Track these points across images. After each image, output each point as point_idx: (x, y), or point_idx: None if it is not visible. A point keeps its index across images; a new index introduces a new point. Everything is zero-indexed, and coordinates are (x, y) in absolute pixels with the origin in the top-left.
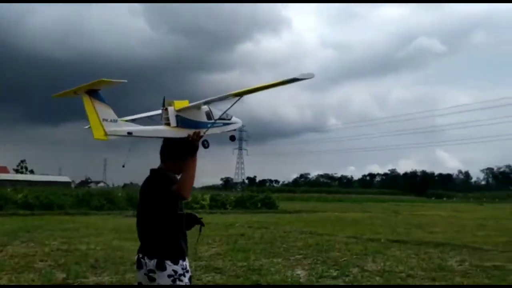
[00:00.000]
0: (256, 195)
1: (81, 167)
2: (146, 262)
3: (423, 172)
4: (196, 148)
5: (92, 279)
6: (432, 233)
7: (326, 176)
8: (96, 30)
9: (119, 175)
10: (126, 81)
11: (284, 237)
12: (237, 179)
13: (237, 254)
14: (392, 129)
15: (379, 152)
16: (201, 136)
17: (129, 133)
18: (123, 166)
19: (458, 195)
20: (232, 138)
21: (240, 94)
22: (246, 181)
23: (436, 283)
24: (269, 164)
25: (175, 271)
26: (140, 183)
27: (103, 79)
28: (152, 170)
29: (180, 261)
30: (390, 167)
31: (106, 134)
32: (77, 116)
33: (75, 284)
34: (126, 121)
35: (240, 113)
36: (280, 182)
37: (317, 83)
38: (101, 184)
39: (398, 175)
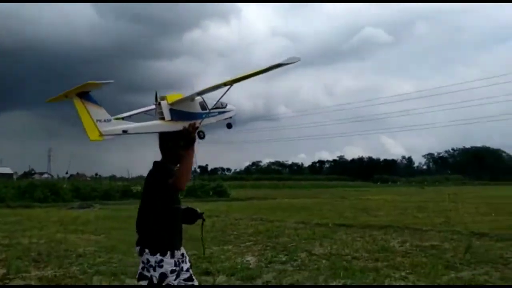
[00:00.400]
0: (207, 183)
1: (24, 157)
2: (136, 249)
3: (370, 158)
4: (193, 140)
5: (34, 274)
6: (376, 216)
7: (278, 163)
8: (40, 16)
9: (64, 166)
10: (113, 81)
11: (235, 224)
12: None
13: (187, 243)
14: (340, 117)
15: (328, 140)
16: (197, 128)
17: (124, 131)
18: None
19: (401, 180)
20: (229, 126)
21: (230, 83)
22: (198, 169)
23: (379, 264)
24: (221, 153)
25: (148, 260)
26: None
27: (90, 82)
28: (154, 163)
29: (158, 254)
30: (339, 154)
31: (101, 134)
32: (19, 105)
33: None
34: (122, 118)
35: None
36: (232, 170)
37: (269, 73)
38: (46, 175)
39: (346, 161)
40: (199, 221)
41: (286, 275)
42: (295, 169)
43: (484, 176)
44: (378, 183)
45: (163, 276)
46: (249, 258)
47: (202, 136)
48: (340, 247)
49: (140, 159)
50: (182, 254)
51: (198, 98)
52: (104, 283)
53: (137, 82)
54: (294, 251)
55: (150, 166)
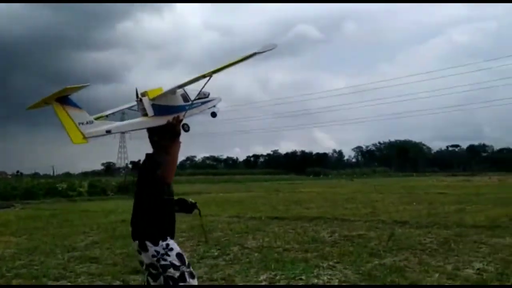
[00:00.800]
0: None
1: None
2: (133, 244)
3: (303, 152)
4: (178, 133)
5: None
6: (308, 208)
7: (213, 158)
8: None
9: None
10: (89, 84)
11: None
12: (120, 163)
13: (116, 241)
14: (274, 111)
15: (262, 134)
16: (181, 120)
17: (108, 131)
18: None
19: (333, 173)
20: (213, 115)
21: (209, 74)
22: (130, 165)
23: (309, 254)
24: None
25: (157, 252)
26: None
27: (68, 86)
28: (146, 154)
29: (160, 242)
30: (273, 148)
31: (85, 137)
32: None
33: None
34: (106, 116)
35: (123, 97)
36: None
37: (202, 66)
38: None
39: (280, 155)
40: (196, 210)
41: (218, 270)
42: (230, 164)
43: (408, 168)
44: (311, 176)
45: (180, 256)
46: None
47: (186, 129)
48: (272, 240)
49: (66, 155)
50: (167, 244)
51: (180, 91)
52: None
53: (64, 73)
54: (227, 245)
55: (76, 163)
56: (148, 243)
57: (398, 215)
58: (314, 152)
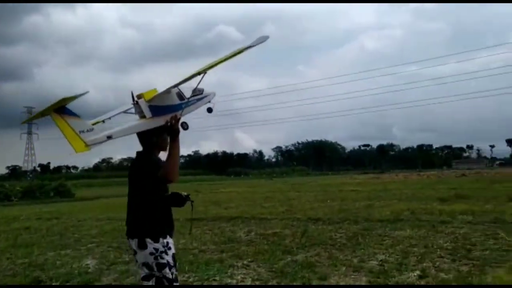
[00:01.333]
0: (48, 183)
1: None
2: (130, 243)
3: (224, 153)
4: (177, 132)
5: None
6: (227, 208)
7: (130, 159)
8: None
9: None
10: (88, 91)
11: (77, 226)
12: (27, 166)
13: (18, 250)
14: (194, 112)
15: (183, 134)
16: (179, 119)
17: (109, 137)
18: None
19: (253, 172)
20: (209, 110)
21: (204, 71)
22: (38, 168)
23: (224, 254)
24: (66, 149)
25: (156, 249)
26: None
27: (66, 97)
28: (137, 153)
29: (161, 239)
30: (194, 148)
31: (87, 145)
32: None
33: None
34: (103, 121)
35: (31, 96)
36: (80, 168)
37: (119, 64)
38: None
39: (201, 156)
40: (188, 203)
41: (129, 275)
42: None
43: (324, 166)
44: (232, 177)
45: (174, 256)
46: (89, 262)
47: (185, 127)
48: (188, 241)
49: None
50: (167, 242)
51: (175, 90)
52: None
53: None
54: None
55: None
56: (148, 240)
57: (313, 212)
58: (235, 152)
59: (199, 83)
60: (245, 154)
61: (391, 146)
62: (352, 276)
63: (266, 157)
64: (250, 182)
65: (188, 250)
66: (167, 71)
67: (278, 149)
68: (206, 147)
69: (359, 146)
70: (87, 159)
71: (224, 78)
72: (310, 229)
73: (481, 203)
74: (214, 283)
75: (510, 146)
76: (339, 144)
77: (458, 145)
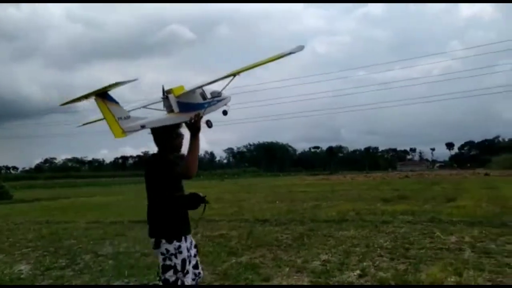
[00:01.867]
0: None
1: None
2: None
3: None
4: (199, 129)
5: None
6: None
7: (75, 160)
8: None
9: None
10: (137, 79)
11: (13, 230)
12: None
13: None
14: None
15: (131, 135)
16: (201, 117)
17: (142, 127)
18: None
19: (204, 174)
20: (225, 113)
21: (237, 73)
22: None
23: None
24: (5, 149)
25: (167, 250)
26: None
27: (111, 83)
28: (152, 155)
29: (174, 241)
30: (144, 149)
31: (123, 131)
32: None
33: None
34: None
35: None
36: (20, 169)
37: (64, 60)
38: None
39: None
40: (202, 205)
41: (64, 281)
42: (96, 166)
43: (275, 168)
44: None
45: (184, 262)
46: (22, 267)
47: (210, 125)
48: (131, 245)
49: None
50: (191, 242)
51: (199, 90)
52: None
53: None
54: (79, 254)
55: None
56: (162, 241)
57: (261, 213)
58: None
59: (228, 83)
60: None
61: (340, 148)
62: (295, 277)
63: (217, 158)
64: (201, 183)
65: (130, 254)
66: (117, 69)
67: (229, 151)
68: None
69: (310, 148)
70: (29, 160)
71: (177, 78)
72: (257, 230)
73: (420, 203)
74: None
75: (449, 149)
76: (290, 146)
77: (402, 148)
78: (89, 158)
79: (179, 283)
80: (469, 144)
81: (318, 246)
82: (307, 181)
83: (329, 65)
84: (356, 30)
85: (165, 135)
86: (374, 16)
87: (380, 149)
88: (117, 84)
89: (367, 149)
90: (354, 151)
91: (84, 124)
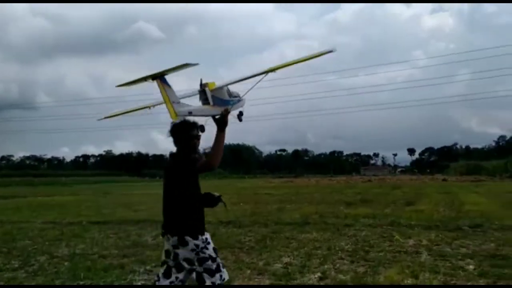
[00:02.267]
0: None
1: None
2: (169, 238)
3: (139, 153)
4: (226, 124)
5: None
6: (136, 211)
7: (34, 158)
8: None
9: None
10: (198, 63)
11: None
12: None
13: None
14: (109, 110)
15: (94, 133)
16: (229, 112)
17: (190, 113)
18: None
19: None
20: (241, 113)
21: (271, 70)
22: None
23: (126, 259)
24: None
25: (197, 245)
26: None
27: (169, 68)
28: (172, 154)
29: (199, 236)
30: (107, 148)
31: (176, 114)
32: None
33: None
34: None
35: None
36: None
37: (26, 54)
38: None
39: (114, 156)
40: (221, 203)
41: (16, 283)
42: (56, 164)
43: (241, 170)
44: (147, 178)
45: (215, 249)
46: None
47: (241, 119)
48: (89, 246)
49: None
50: (206, 238)
51: (225, 87)
52: None
53: None
54: (33, 255)
55: None
56: (188, 238)
57: (224, 215)
58: (151, 153)
59: (259, 81)
60: (162, 156)
61: (305, 151)
62: (256, 279)
63: None
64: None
65: (87, 255)
66: (82, 65)
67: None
68: (121, 147)
69: (276, 151)
70: None
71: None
72: (220, 232)
73: (381, 207)
74: None
75: (410, 154)
76: (256, 148)
77: (366, 153)
78: (48, 156)
79: (220, 266)
80: (429, 150)
81: (280, 248)
82: (273, 183)
83: (297, 69)
84: (324, 36)
85: (184, 135)
86: (342, 23)
87: (345, 153)
88: (175, 69)
89: (332, 153)
90: (320, 154)
91: (106, 118)
